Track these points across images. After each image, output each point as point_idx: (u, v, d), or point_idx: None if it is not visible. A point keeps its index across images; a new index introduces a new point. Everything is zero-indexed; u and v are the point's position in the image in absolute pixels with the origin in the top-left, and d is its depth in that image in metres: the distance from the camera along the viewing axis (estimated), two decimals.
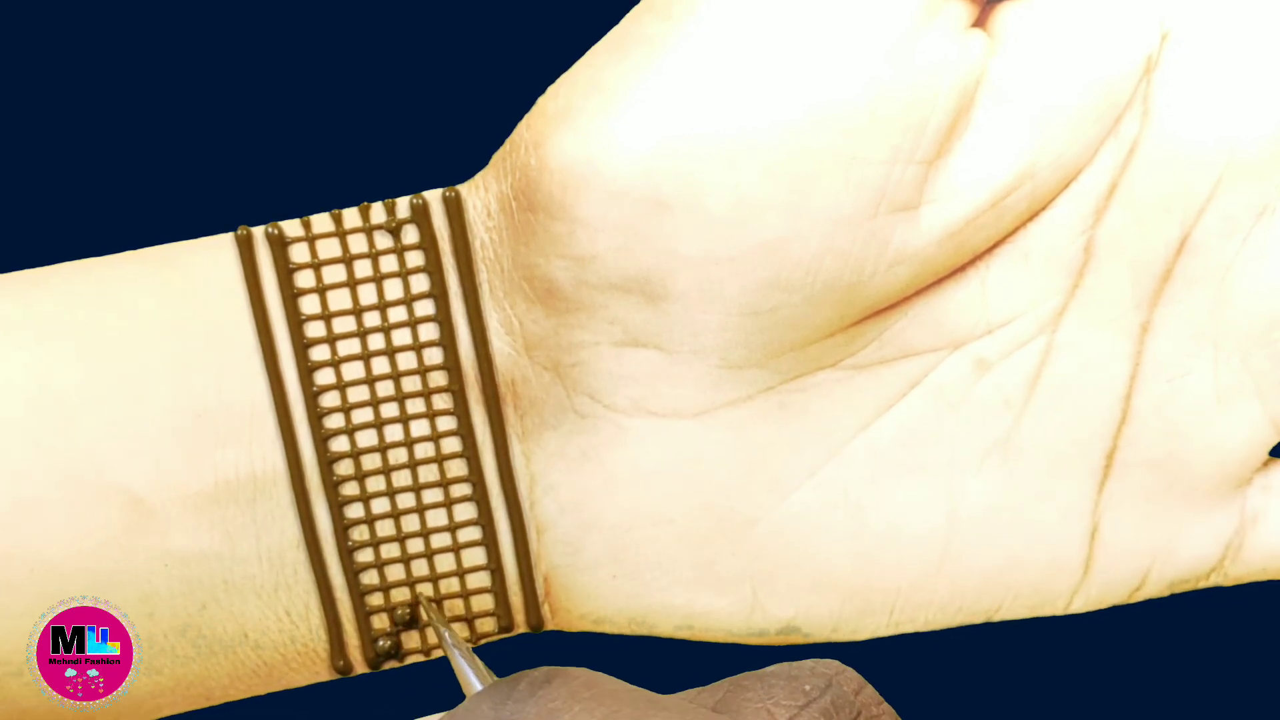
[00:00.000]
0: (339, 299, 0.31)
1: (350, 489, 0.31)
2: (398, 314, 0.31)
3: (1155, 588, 0.33)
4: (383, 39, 0.43)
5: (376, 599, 0.32)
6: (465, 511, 0.32)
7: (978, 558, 0.32)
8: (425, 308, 0.31)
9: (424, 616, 0.32)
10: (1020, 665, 0.40)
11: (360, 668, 0.33)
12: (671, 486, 0.32)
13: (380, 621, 0.32)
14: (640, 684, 0.26)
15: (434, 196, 0.31)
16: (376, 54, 0.43)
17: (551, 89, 0.30)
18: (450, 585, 0.32)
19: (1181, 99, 0.31)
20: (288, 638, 0.32)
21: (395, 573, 0.32)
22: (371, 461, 0.32)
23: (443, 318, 0.31)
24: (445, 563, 0.32)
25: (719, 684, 0.26)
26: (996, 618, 0.33)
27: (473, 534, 0.32)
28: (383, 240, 0.31)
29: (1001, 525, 0.32)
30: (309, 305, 0.31)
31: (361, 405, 0.31)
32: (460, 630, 0.33)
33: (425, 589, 0.32)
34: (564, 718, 0.24)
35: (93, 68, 0.43)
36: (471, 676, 0.29)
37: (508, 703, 0.25)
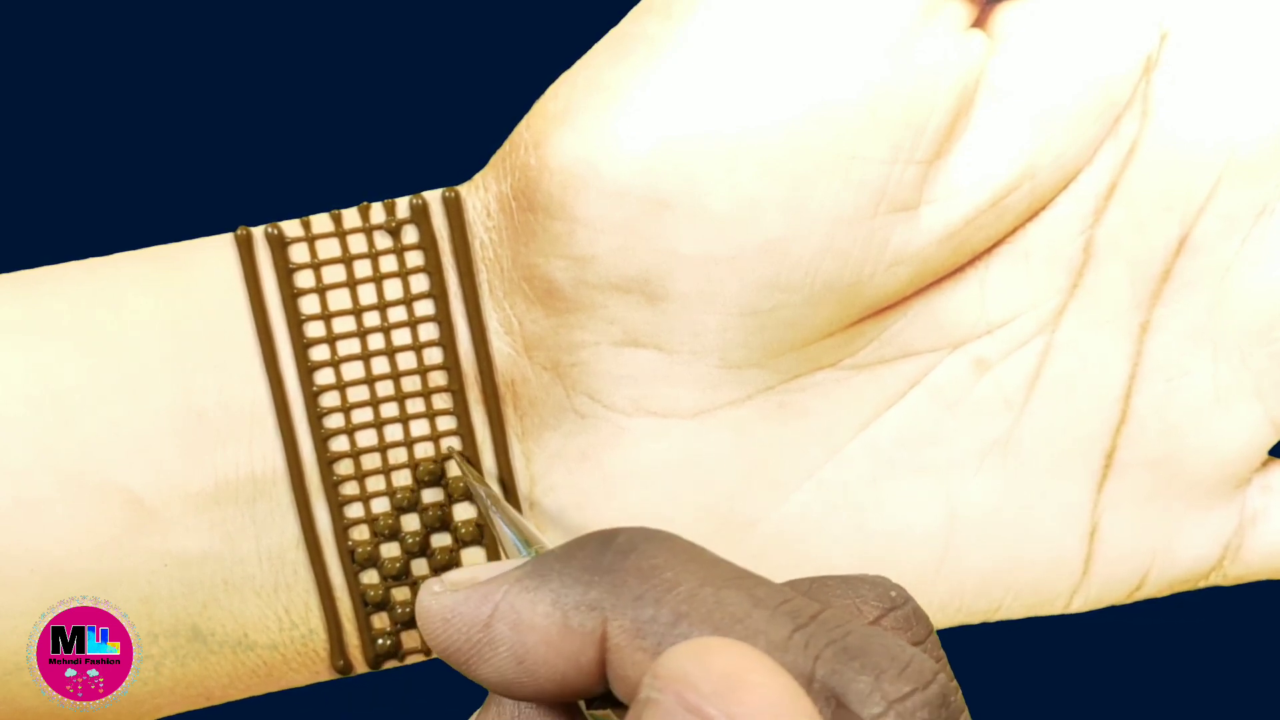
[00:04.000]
0: (339, 299, 0.31)
1: (350, 489, 0.32)
2: (397, 314, 0.31)
3: (1155, 587, 0.33)
4: (383, 39, 0.43)
5: (376, 598, 0.32)
6: (465, 511, 0.32)
7: (977, 557, 0.32)
8: (425, 308, 0.31)
9: (458, 471, 0.31)
10: (1020, 665, 0.40)
11: (360, 667, 0.33)
12: (671, 487, 0.32)
13: (380, 621, 0.32)
14: None
15: (434, 196, 0.31)
16: (376, 54, 0.43)
17: (551, 89, 0.30)
18: None
19: (1181, 99, 0.31)
20: (288, 637, 0.32)
21: (396, 572, 0.32)
22: (371, 461, 0.32)
23: (442, 318, 0.31)
24: (446, 563, 0.32)
25: (799, 580, 0.25)
26: (996, 617, 0.33)
27: (473, 534, 0.32)
28: (382, 240, 0.31)
29: (1001, 525, 0.32)
30: (309, 305, 0.31)
31: (361, 405, 0.31)
32: None
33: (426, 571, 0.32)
34: (666, 575, 0.24)
35: (93, 68, 0.43)
36: (511, 536, 0.28)
37: (606, 553, 0.24)
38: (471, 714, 0.27)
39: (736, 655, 0.21)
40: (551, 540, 0.31)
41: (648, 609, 0.23)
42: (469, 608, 0.25)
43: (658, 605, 0.23)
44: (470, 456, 0.32)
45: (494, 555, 0.32)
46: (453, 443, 0.32)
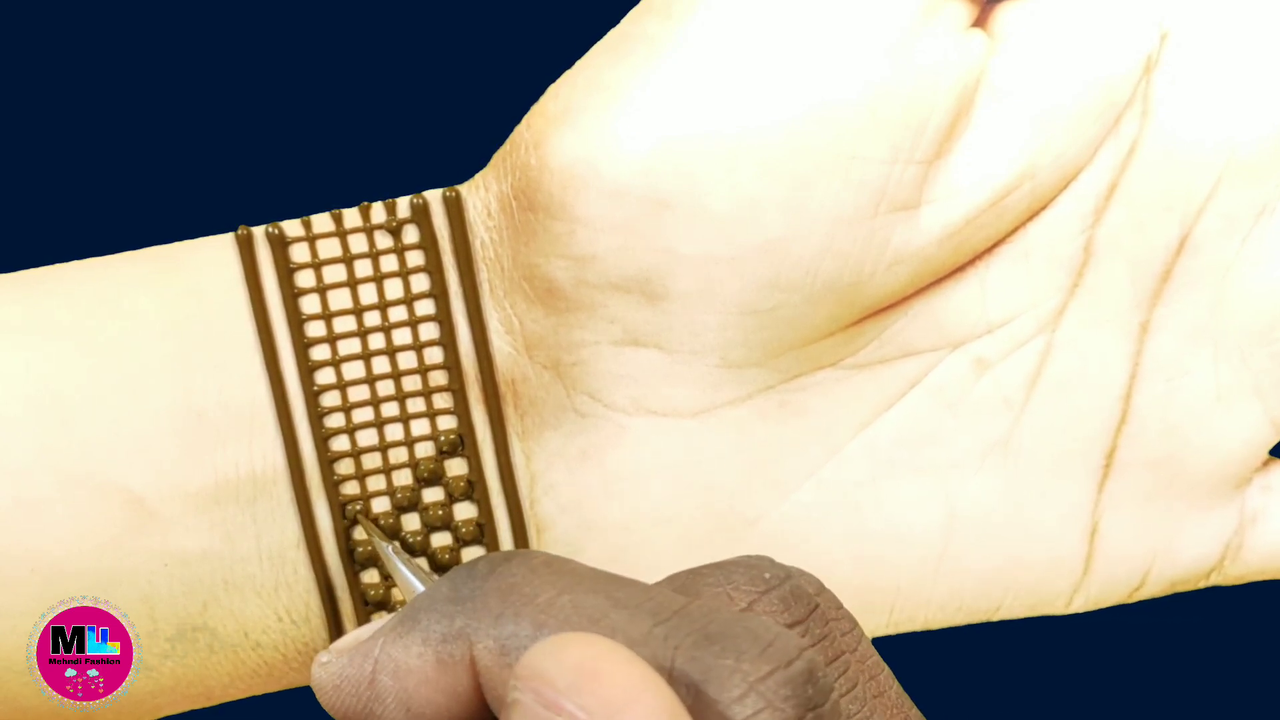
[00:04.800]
0: (339, 298, 0.31)
1: (350, 488, 0.32)
2: (398, 313, 0.31)
3: (1155, 587, 0.33)
4: (383, 39, 0.43)
5: (377, 598, 0.32)
6: (465, 511, 0.32)
7: (977, 557, 0.32)
8: (425, 307, 0.31)
9: (362, 532, 0.32)
10: (1020, 665, 0.40)
11: None
12: (671, 486, 0.32)
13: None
14: None
15: (434, 196, 0.31)
16: (376, 54, 0.43)
17: (551, 89, 0.30)
18: None
19: (1181, 99, 0.31)
20: (288, 637, 0.32)
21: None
22: (372, 461, 0.32)
23: (443, 317, 0.31)
24: (446, 562, 0.32)
25: (676, 574, 0.26)
26: (996, 617, 0.33)
27: (473, 533, 0.32)
28: (383, 240, 0.31)
29: (1001, 525, 0.32)
30: (309, 305, 0.31)
31: (362, 405, 0.31)
32: None
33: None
34: (524, 590, 0.24)
35: (93, 68, 0.43)
36: (415, 581, 0.29)
37: (468, 581, 0.25)
38: None
39: (590, 647, 0.21)
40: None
41: (508, 625, 0.24)
42: (353, 669, 0.25)
43: (517, 620, 0.24)
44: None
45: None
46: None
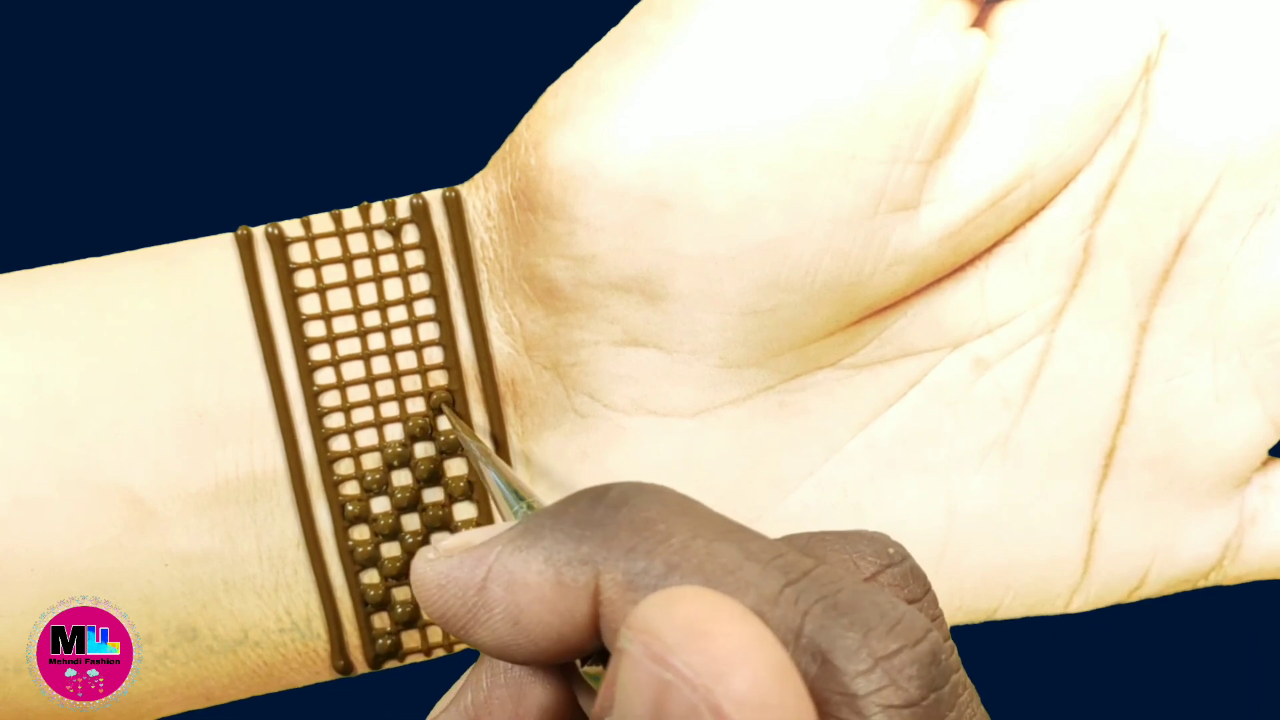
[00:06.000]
0: (339, 299, 0.31)
1: (350, 488, 0.32)
2: (398, 314, 0.31)
3: (1155, 587, 0.33)
4: (383, 39, 0.43)
5: (377, 598, 0.32)
6: (465, 511, 0.32)
7: (977, 557, 0.32)
8: (425, 307, 0.31)
9: (448, 424, 0.31)
10: (1020, 664, 0.40)
11: (361, 667, 0.33)
12: (671, 485, 0.31)
13: (381, 621, 0.32)
14: None
15: (434, 196, 0.31)
16: (376, 54, 0.43)
17: (551, 89, 0.30)
18: None
19: (1181, 99, 0.31)
20: (288, 637, 0.32)
21: (396, 572, 0.32)
22: (372, 461, 0.32)
23: (443, 317, 0.31)
24: None
25: (796, 535, 0.25)
26: (996, 617, 0.33)
27: None
28: (383, 240, 0.31)
29: (1001, 524, 0.32)
30: (309, 305, 0.31)
31: (362, 404, 0.31)
32: None
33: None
34: (658, 527, 0.23)
35: (93, 68, 0.43)
36: (502, 489, 0.28)
37: (597, 508, 0.24)
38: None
39: (703, 604, 0.21)
40: (545, 496, 0.31)
41: (640, 561, 0.23)
42: (463, 572, 0.25)
43: (650, 557, 0.23)
44: (462, 412, 0.31)
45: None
46: (445, 396, 0.31)
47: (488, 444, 0.31)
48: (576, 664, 0.25)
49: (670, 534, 0.23)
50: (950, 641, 0.24)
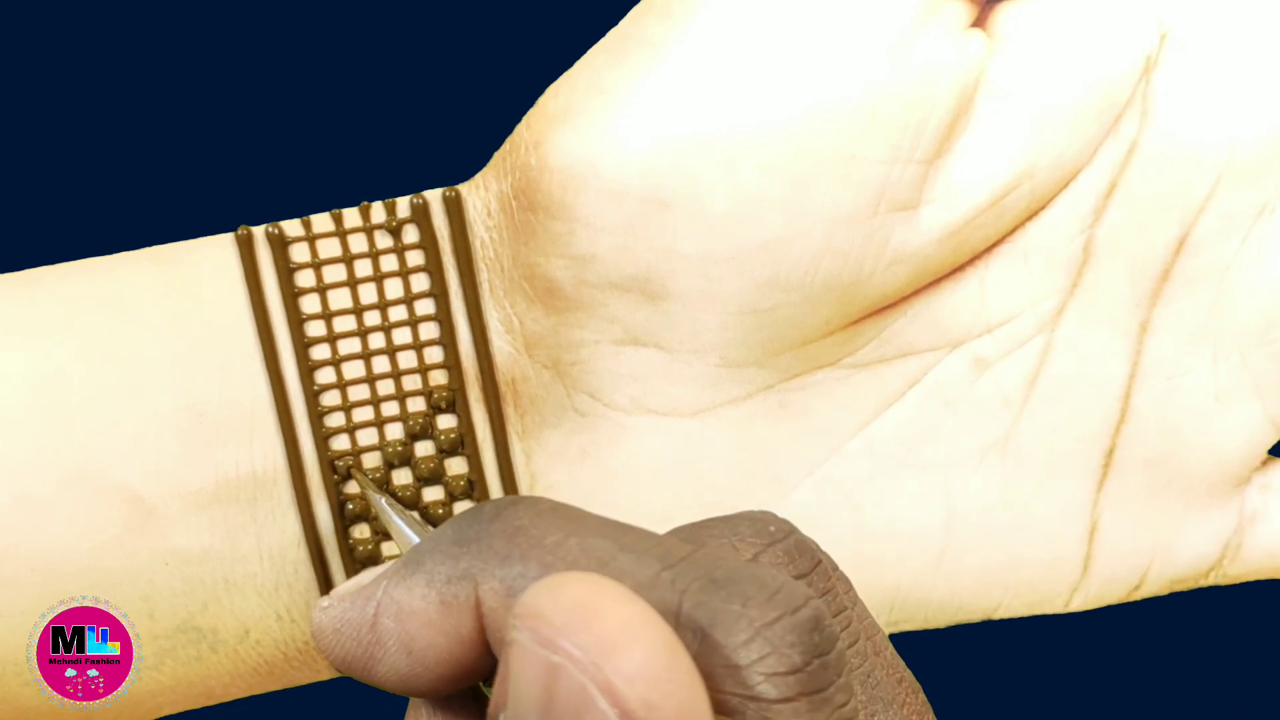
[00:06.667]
0: (339, 298, 0.31)
1: (351, 487, 0.32)
2: (398, 313, 0.31)
3: (1154, 586, 0.33)
4: (383, 39, 0.43)
5: None
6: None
7: (977, 556, 0.32)
8: (425, 307, 0.32)
9: (357, 483, 0.31)
10: (1020, 664, 0.40)
11: None
12: (671, 485, 0.32)
13: None
14: None
15: (434, 196, 0.31)
16: (376, 54, 0.43)
17: (551, 89, 0.30)
18: None
19: (1181, 99, 0.31)
20: (289, 636, 0.32)
21: None
22: (372, 460, 0.32)
23: (443, 317, 0.31)
24: None
25: (681, 526, 0.25)
26: (996, 616, 0.33)
27: None
28: (383, 240, 0.31)
29: (1000, 524, 0.32)
30: (309, 304, 0.31)
31: (362, 404, 0.31)
32: None
33: None
34: (531, 532, 0.24)
35: (93, 68, 0.43)
36: (409, 531, 0.28)
37: (473, 524, 0.24)
38: None
39: (588, 585, 0.21)
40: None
41: (515, 566, 0.23)
42: (355, 612, 0.25)
43: (524, 561, 0.23)
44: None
45: None
46: (356, 461, 0.32)
47: (388, 496, 0.31)
48: (480, 686, 0.25)
49: (543, 536, 0.23)
50: (852, 610, 0.24)
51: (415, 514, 0.30)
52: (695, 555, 0.23)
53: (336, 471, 0.31)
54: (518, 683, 0.21)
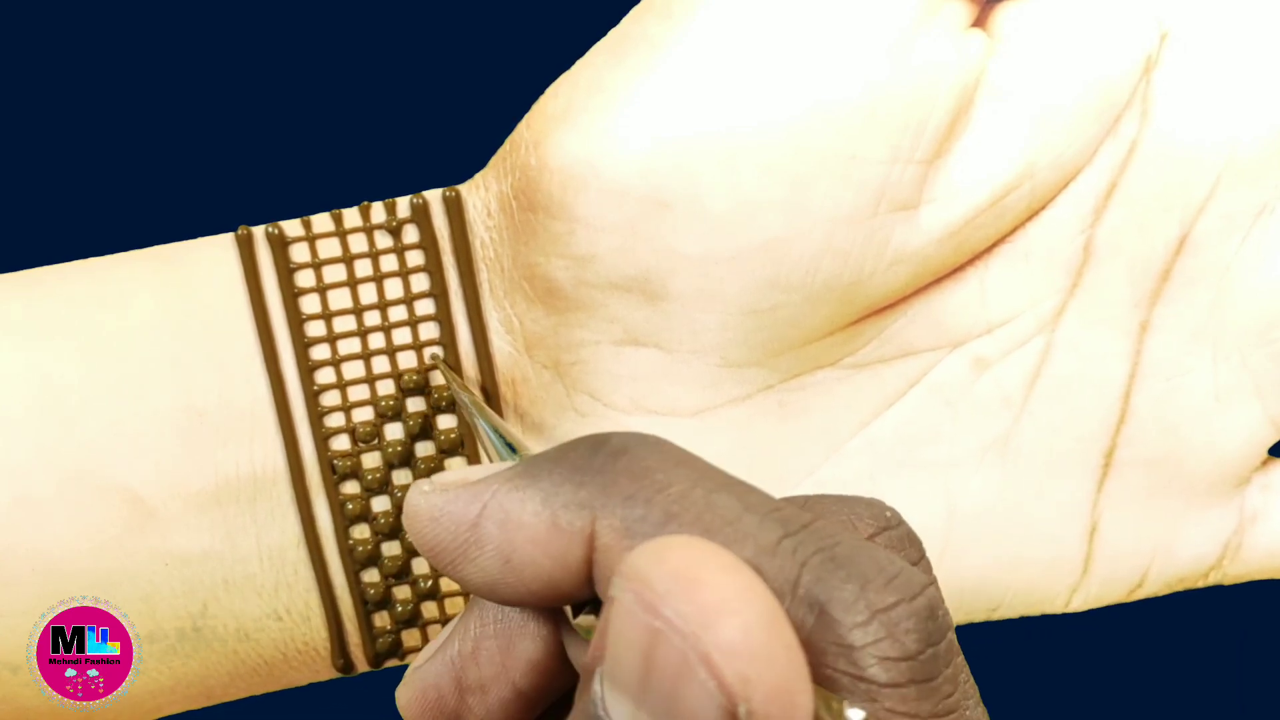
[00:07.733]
0: (339, 298, 0.31)
1: (351, 487, 0.32)
2: (398, 313, 0.31)
3: (1154, 586, 0.33)
4: (383, 39, 0.43)
5: (377, 597, 0.32)
6: None
7: (977, 556, 0.32)
8: (426, 307, 0.32)
9: (441, 379, 0.31)
10: (1020, 664, 0.40)
11: (361, 666, 0.33)
12: None
13: (381, 620, 0.32)
14: None
15: (434, 196, 0.31)
16: (377, 54, 0.43)
17: (551, 89, 0.30)
18: (451, 583, 0.32)
19: (1180, 99, 0.31)
20: (289, 636, 0.32)
21: (396, 571, 0.32)
22: (372, 460, 0.32)
23: (443, 317, 0.31)
24: None
25: (795, 496, 0.25)
26: (996, 616, 0.33)
27: None
28: (383, 240, 0.31)
29: (1000, 523, 0.32)
30: (309, 305, 0.31)
31: (362, 404, 0.31)
32: None
33: (425, 585, 0.32)
34: (658, 477, 0.23)
35: (93, 68, 0.43)
36: (495, 441, 0.28)
37: (597, 455, 0.24)
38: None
39: (694, 552, 0.21)
40: (536, 448, 0.30)
41: (638, 509, 0.23)
42: (457, 507, 0.24)
43: (648, 505, 0.23)
44: (453, 365, 0.31)
45: None
46: (436, 351, 0.31)
47: (479, 395, 0.31)
48: (569, 615, 0.24)
49: (669, 483, 0.23)
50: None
51: (508, 426, 0.29)
52: (816, 525, 0.22)
53: (336, 471, 0.31)
54: (617, 641, 0.21)
